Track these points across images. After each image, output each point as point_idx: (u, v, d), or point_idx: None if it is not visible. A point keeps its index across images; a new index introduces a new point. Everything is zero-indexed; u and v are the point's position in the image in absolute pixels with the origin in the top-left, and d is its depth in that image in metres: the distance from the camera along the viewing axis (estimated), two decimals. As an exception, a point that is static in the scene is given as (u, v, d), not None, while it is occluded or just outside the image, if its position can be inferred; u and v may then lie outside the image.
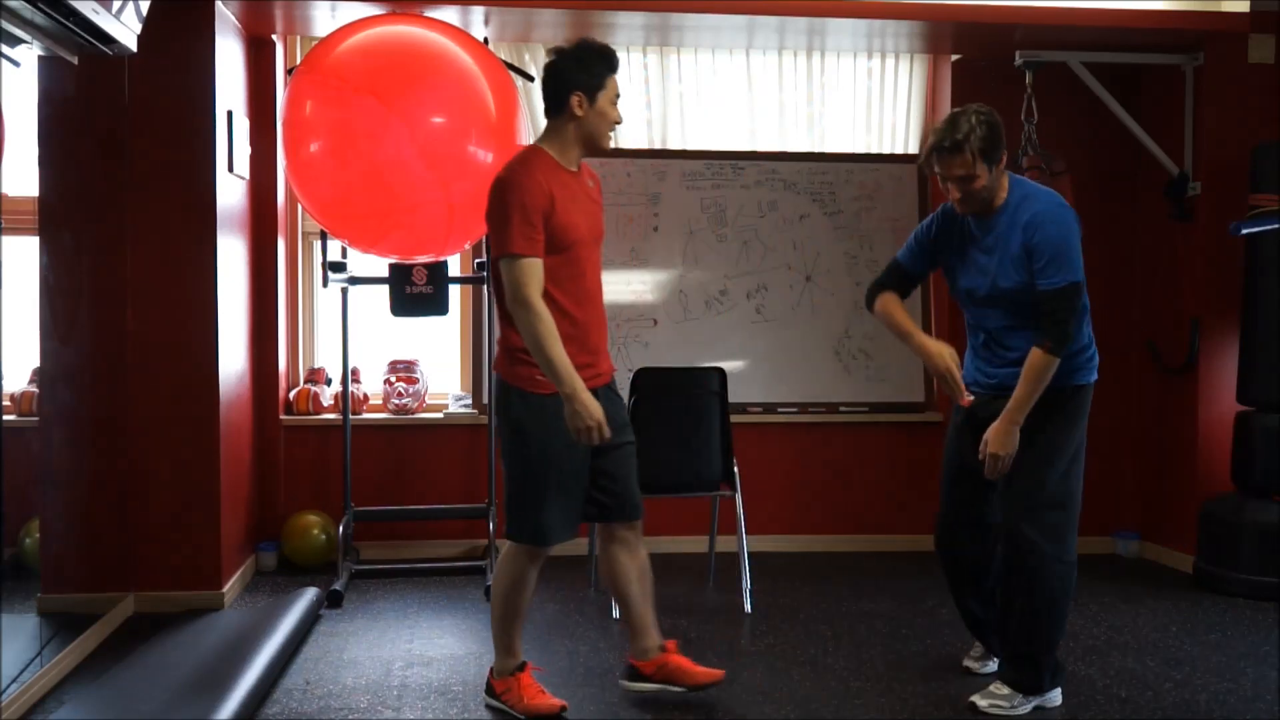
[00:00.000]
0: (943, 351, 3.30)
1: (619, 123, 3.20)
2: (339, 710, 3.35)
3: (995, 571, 3.42)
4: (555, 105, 3.15)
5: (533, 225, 3.03)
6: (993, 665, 3.62)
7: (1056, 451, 3.26)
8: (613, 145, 3.17)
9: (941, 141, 3.17)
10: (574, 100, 3.11)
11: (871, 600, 4.59)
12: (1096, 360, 3.34)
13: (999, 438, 3.21)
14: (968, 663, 3.71)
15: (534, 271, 3.04)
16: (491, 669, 3.40)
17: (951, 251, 3.39)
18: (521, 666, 3.33)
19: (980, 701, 3.35)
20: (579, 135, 3.17)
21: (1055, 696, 3.39)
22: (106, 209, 4.23)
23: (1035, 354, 3.15)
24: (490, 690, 3.37)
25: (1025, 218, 3.18)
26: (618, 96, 3.19)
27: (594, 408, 3.04)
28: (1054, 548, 3.24)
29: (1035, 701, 3.35)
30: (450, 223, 4.22)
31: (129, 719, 3.13)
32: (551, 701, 3.28)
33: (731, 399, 4.43)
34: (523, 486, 3.17)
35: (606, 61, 3.14)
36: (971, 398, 3.36)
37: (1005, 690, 3.34)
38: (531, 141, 3.33)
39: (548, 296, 3.08)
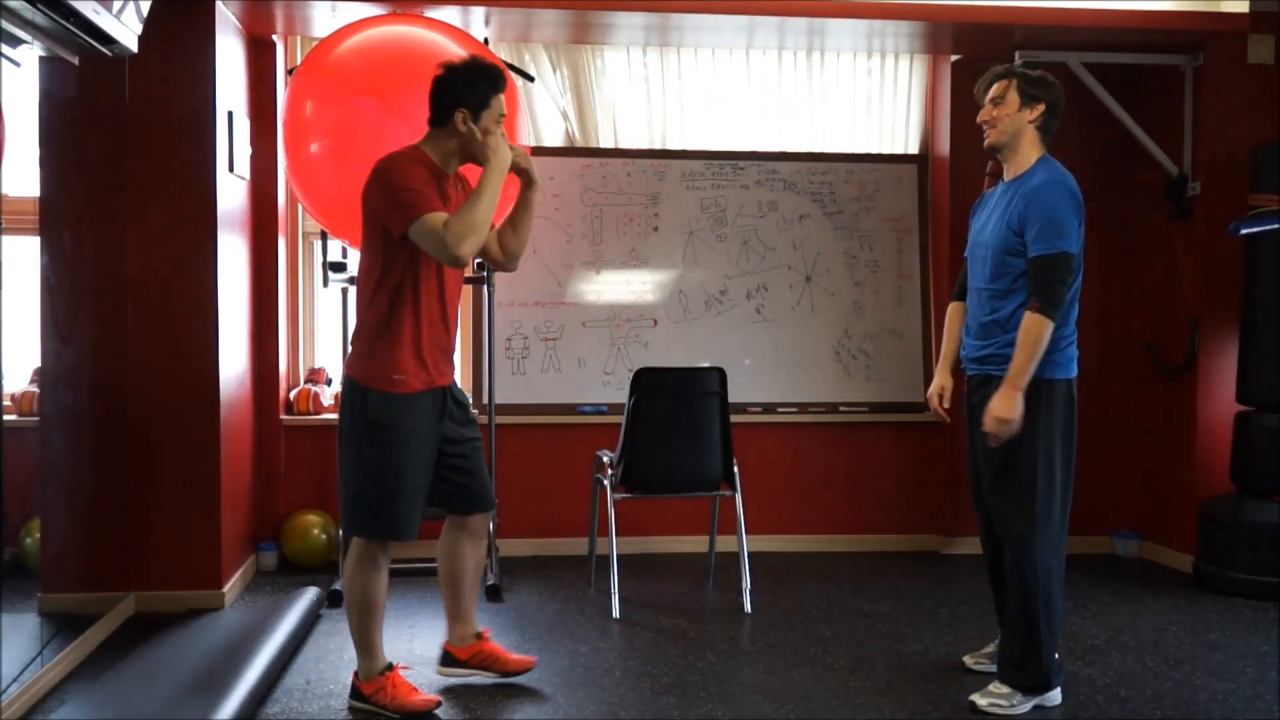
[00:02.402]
0: (933, 391, 3.73)
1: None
2: (339, 710, 3.35)
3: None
4: (440, 117, 3.25)
5: (428, 193, 3.10)
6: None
7: (1038, 445, 3.29)
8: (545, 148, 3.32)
9: (996, 66, 3.48)
10: (459, 116, 3.21)
11: (871, 600, 4.59)
12: (1075, 355, 3.37)
13: (1000, 402, 3.25)
14: (976, 663, 3.70)
15: (441, 219, 3.06)
16: (356, 673, 3.38)
17: (977, 217, 3.60)
18: (389, 666, 3.34)
19: (980, 700, 3.35)
20: (459, 148, 3.26)
21: (1055, 696, 3.40)
22: (107, 209, 4.23)
23: (1026, 316, 3.23)
24: (356, 694, 3.34)
25: (1029, 185, 3.32)
26: (502, 116, 3.27)
27: (509, 153, 3.20)
28: (1037, 537, 3.29)
29: (1034, 701, 3.36)
30: (450, 223, 4.22)
31: (129, 719, 3.13)
32: (426, 698, 3.33)
33: (731, 399, 4.43)
34: (381, 484, 3.19)
35: (493, 82, 3.24)
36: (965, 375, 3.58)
37: (1005, 689, 3.35)
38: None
39: (411, 291, 3.16)
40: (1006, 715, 3.32)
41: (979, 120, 3.45)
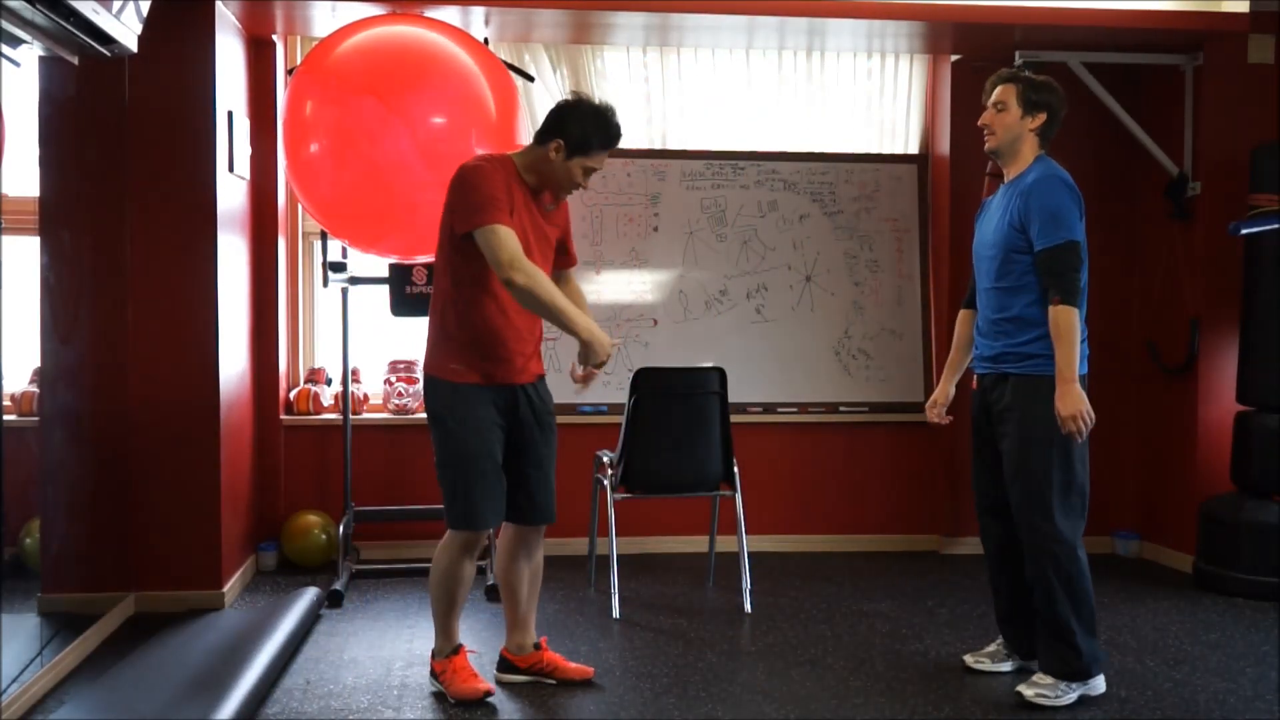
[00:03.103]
0: (934, 401, 3.76)
1: (580, 187, 3.34)
2: (339, 710, 3.35)
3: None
4: (543, 136, 3.29)
5: (502, 203, 3.15)
6: (1006, 666, 3.64)
7: (1049, 438, 3.32)
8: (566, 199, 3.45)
9: (1003, 70, 3.52)
10: (554, 144, 3.24)
11: (871, 600, 4.59)
12: (1086, 353, 3.40)
13: (1061, 401, 3.26)
14: (976, 662, 3.69)
15: (514, 238, 3.13)
16: (433, 650, 3.49)
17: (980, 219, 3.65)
18: (456, 650, 3.43)
19: (1026, 691, 3.38)
20: (542, 170, 3.30)
21: (1099, 684, 3.44)
22: (106, 209, 4.23)
23: (1052, 311, 3.28)
24: (432, 672, 3.49)
25: (1027, 182, 3.37)
26: (593, 170, 3.31)
27: (605, 340, 3.17)
28: (1054, 527, 3.32)
29: (1079, 690, 3.39)
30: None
31: (129, 719, 3.13)
32: (479, 685, 3.38)
33: (731, 399, 4.42)
34: (454, 474, 3.28)
35: (606, 137, 3.27)
36: (973, 384, 3.60)
37: (1048, 679, 3.39)
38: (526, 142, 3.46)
39: (480, 291, 3.24)
40: (1053, 704, 3.35)
41: (980, 123, 3.48)
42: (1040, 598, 3.38)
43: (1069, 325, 3.25)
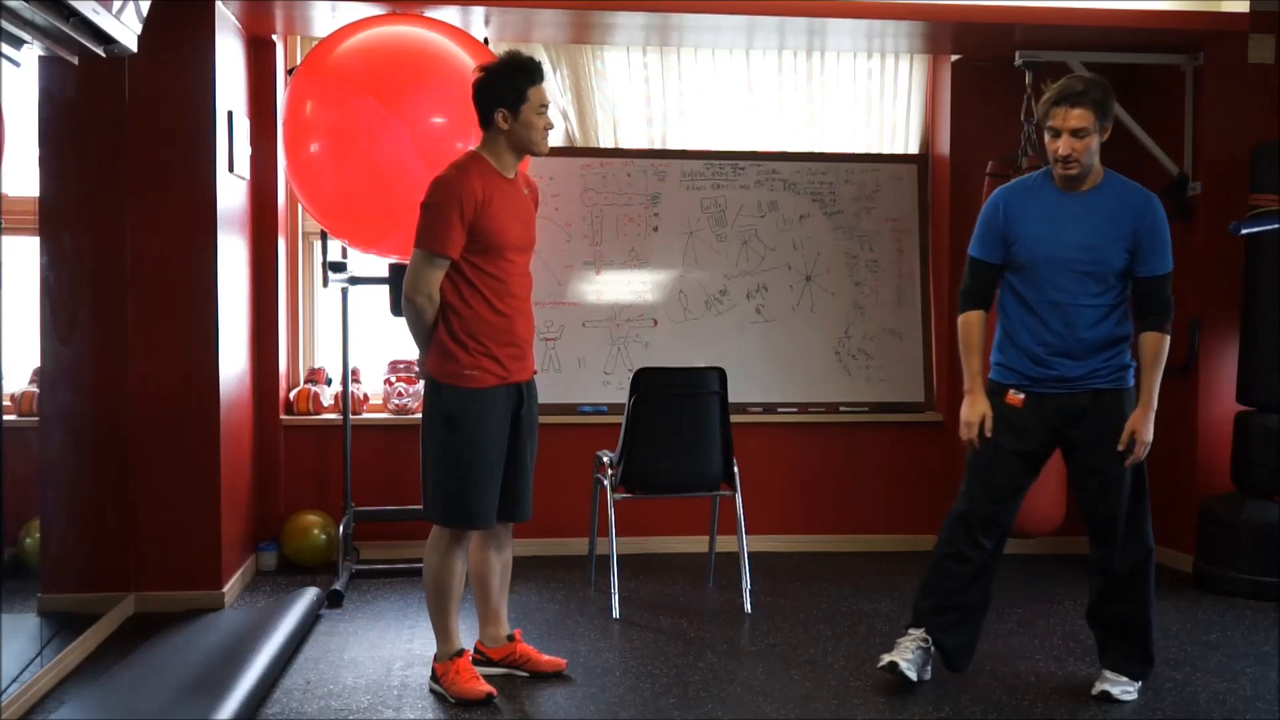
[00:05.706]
0: (974, 414, 3.40)
1: (549, 128, 3.37)
2: (339, 710, 3.35)
3: (1107, 578, 3.44)
4: (484, 121, 3.34)
5: (456, 229, 3.23)
6: (925, 673, 3.49)
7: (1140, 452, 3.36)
8: (549, 147, 3.44)
9: (1067, 90, 3.23)
10: (499, 116, 3.29)
11: (871, 600, 4.59)
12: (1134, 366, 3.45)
13: (1146, 426, 3.29)
14: (899, 661, 3.43)
15: (441, 271, 3.28)
16: (435, 655, 3.50)
17: (1031, 222, 3.36)
18: (459, 653, 3.44)
19: (1113, 690, 3.42)
20: (510, 145, 3.35)
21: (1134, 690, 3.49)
22: (106, 209, 4.23)
23: (1156, 338, 3.32)
24: (433, 674, 3.49)
25: (1136, 201, 3.32)
26: (544, 106, 3.33)
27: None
28: (1150, 537, 3.41)
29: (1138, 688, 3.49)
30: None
31: (129, 719, 3.13)
32: (480, 687, 3.39)
33: (731, 399, 4.42)
34: (456, 474, 3.34)
35: (528, 75, 3.30)
36: (1021, 397, 3.38)
37: (1124, 677, 3.44)
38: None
39: (475, 293, 3.30)
40: (1131, 700, 3.44)
41: (1062, 154, 3.24)
42: (1134, 607, 3.42)
43: (1165, 353, 3.32)
